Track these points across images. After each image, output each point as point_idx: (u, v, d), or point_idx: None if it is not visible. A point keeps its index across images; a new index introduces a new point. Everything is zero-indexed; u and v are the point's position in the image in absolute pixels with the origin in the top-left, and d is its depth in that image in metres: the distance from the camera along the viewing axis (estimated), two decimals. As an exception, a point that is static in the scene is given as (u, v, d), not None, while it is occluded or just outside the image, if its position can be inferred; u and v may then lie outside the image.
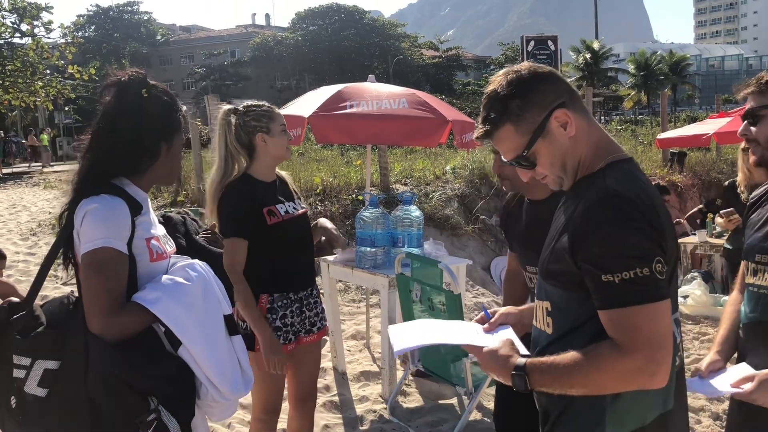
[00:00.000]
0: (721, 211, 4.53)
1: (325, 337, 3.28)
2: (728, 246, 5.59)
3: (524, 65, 1.60)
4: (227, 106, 2.88)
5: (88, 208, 1.72)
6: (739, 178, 4.65)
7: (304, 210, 3.04)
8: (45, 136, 25.57)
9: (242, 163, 2.85)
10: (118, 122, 1.82)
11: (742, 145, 4.31)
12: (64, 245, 1.81)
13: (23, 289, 5.11)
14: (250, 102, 2.91)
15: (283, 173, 3.07)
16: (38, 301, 1.82)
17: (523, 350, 1.64)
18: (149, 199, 1.96)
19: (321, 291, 3.19)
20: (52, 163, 24.57)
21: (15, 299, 1.83)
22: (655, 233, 1.42)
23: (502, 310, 1.88)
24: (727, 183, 5.04)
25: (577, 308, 1.51)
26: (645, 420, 1.51)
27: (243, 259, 2.76)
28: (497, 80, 1.59)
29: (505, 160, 1.64)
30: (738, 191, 4.64)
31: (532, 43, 12.19)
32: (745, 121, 2.06)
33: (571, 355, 1.45)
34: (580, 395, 1.49)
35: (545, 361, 1.49)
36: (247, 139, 2.82)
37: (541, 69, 1.59)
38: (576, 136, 1.55)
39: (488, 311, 1.88)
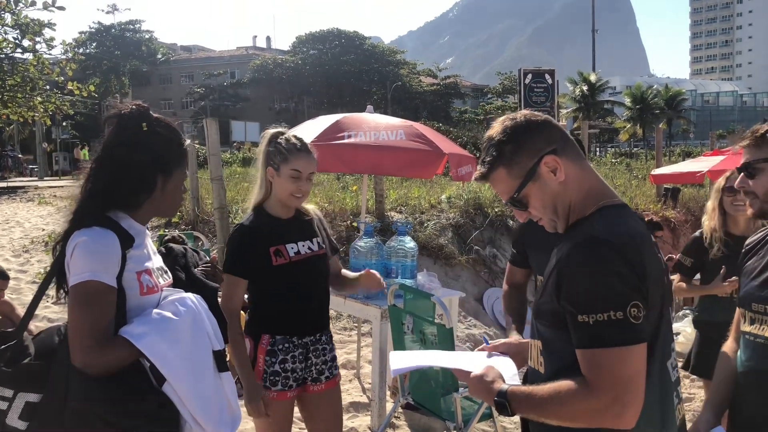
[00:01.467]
0: (728, 280, 3.53)
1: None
2: (701, 316, 3.84)
3: (521, 113, 1.68)
4: (274, 130, 2.81)
5: (78, 241, 1.73)
6: (706, 227, 3.76)
7: (318, 251, 2.85)
8: (85, 151, 26.35)
9: (265, 191, 2.78)
10: (116, 155, 1.84)
11: (718, 183, 3.82)
12: (57, 275, 1.81)
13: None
14: (290, 134, 2.78)
15: (311, 207, 2.95)
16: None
17: (511, 375, 1.72)
18: (147, 231, 1.97)
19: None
20: (46, 178, 24.57)
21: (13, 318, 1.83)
22: (635, 278, 1.47)
23: (504, 340, 1.97)
24: (695, 235, 3.98)
25: (565, 347, 1.55)
26: None
27: (237, 298, 2.71)
28: (495, 126, 1.68)
29: (503, 201, 1.73)
30: (705, 245, 3.78)
31: (530, 75, 12.32)
32: (742, 174, 2.09)
33: (547, 388, 1.52)
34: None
35: (524, 391, 1.57)
36: (264, 168, 2.75)
37: (536, 117, 1.68)
38: (566, 182, 1.63)
39: (488, 341, 1.98)
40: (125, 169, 1.83)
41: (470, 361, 1.84)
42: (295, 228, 2.81)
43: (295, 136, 2.78)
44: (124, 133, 1.85)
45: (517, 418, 4.76)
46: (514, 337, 2.20)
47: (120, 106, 1.90)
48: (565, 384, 1.49)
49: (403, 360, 1.90)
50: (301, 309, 2.76)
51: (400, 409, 4.52)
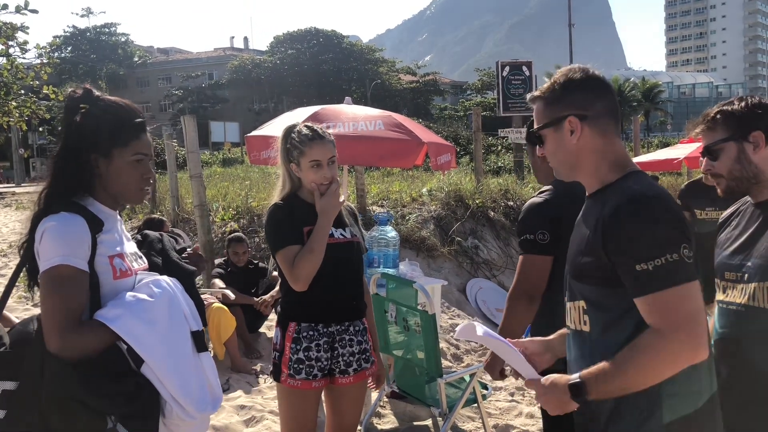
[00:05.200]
0: None
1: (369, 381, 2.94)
2: None
3: (590, 69, 1.78)
4: (290, 123, 2.78)
5: (46, 226, 1.72)
6: None
7: (352, 238, 2.81)
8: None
9: (293, 183, 2.76)
10: (61, 139, 1.84)
11: None
12: (28, 263, 1.79)
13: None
14: (301, 126, 2.73)
15: (342, 198, 2.88)
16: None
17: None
18: (118, 217, 1.94)
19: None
20: (23, 184, 24.26)
21: None
22: (679, 223, 1.58)
23: (526, 340, 2.01)
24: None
25: (612, 302, 1.63)
26: (698, 403, 1.61)
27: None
28: (564, 70, 1.79)
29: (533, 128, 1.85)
30: None
31: (507, 68, 12.35)
32: (705, 158, 2.15)
33: (618, 356, 1.56)
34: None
35: (596, 369, 1.59)
36: (287, 165, 2.74)
37: (592, 79, 1.76)
38: (580, 147, 1.73)
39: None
40: (65, 153, 1.82)
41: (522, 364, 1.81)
42: None
43: (306, 126, 2.75)
44: (68, 117, 1.84)
45: (500, 404, 4.80)
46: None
47: (71, 91, 1.88)
48: (633, 344, 1.54)
49: (471, 331, 1.83)
50: (327, 296, 2.70)
51: (386, 398, 4.52)
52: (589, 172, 1.75)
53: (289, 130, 2.75)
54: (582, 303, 1.71)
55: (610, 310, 1.63)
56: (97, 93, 1.88)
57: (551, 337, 1.99)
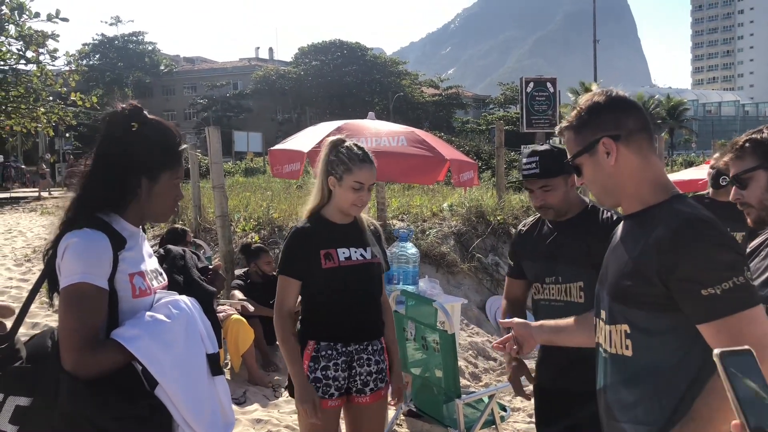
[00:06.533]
0: None
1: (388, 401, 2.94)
2: None
3: (615, 91, 1.77)
4: (335, 137, 2.79)
5: (68, 242, 1.71)
6: None
7: (372, 259, 2.80)
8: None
9: (322, 197, 2.77)
10: (102, 154, 1.82)
11: None
12: (49, 277, 1.78)
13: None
14: (351, 143, 2.75)
15: (365, 217, 2.91)
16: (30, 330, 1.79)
17: None
18: (141, 233, 1.94)
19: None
20: (50, 189, 24.59)
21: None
22: (737, 246, 1.58)
23: (518, 320, 2.15)
24: None
25: (661, 327, 1.59)
26: None
27: (291, 298, 2.71)
28: (588, 95, 1.80)
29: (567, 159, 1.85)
30: None
31: (531, 84, 12.29)
32: (734, 187, 2.12)
33: (699, 407, 1.49)
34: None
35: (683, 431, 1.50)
36: (326, 176, 2.74)
37: (617, 99, 1.75)
38: (618, 168, 1.71)
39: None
40: (106, 170, 1.80)
41: None
42: (350, 234, 2.78)
43: (356, 145, 2.76)
44: (112, 133, 1.83)
45: (519, 426, 4.73)
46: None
47: (117, 104, 1.87)
48: (711, 388, 1.46)
49: None
50: (346, 316, 2.71)
51: (403, 416, 4.48)
52: (631, 193, 1.73)
53: (338, 144, 2.75)
54: (625, 327, 1.66)
55: (659, 334, 1.60)
56: (145, 111, 1.88)
57: (534, 324, 2.15)
